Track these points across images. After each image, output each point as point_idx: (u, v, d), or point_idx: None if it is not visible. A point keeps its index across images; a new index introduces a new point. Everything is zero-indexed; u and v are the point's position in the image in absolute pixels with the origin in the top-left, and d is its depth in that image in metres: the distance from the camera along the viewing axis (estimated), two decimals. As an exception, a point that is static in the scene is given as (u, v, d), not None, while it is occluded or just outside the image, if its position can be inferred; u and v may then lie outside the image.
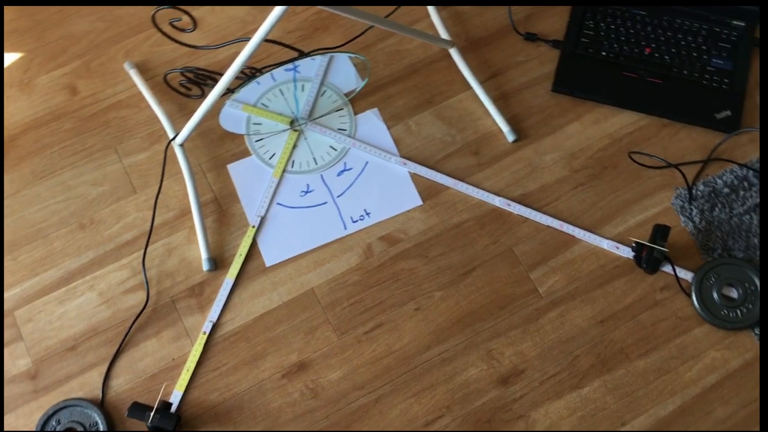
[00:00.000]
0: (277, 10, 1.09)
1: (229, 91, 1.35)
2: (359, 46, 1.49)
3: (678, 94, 1.44)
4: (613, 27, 1.49)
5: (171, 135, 1.39)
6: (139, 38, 1.50)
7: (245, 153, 1.41)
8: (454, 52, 1.47)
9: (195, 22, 1.21)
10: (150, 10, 1.52)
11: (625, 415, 1.23)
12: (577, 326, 1.29)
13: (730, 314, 1.28)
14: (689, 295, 1.30)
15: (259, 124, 1.43)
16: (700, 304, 1.29)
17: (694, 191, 1.37)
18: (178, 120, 1.42)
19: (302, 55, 1.28)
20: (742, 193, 1.37)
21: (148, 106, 1.44)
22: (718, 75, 1.45)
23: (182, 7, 1.19)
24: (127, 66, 1.46)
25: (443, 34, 1.49)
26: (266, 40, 1.17)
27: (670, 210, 1.37)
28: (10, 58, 1.48)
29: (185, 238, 1.34)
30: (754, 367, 1.26)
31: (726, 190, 1.37)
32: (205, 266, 1.31)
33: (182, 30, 1.23)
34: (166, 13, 1.25)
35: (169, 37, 1.27)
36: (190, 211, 1.36)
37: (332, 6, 1.16)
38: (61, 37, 1.50)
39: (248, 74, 1.32)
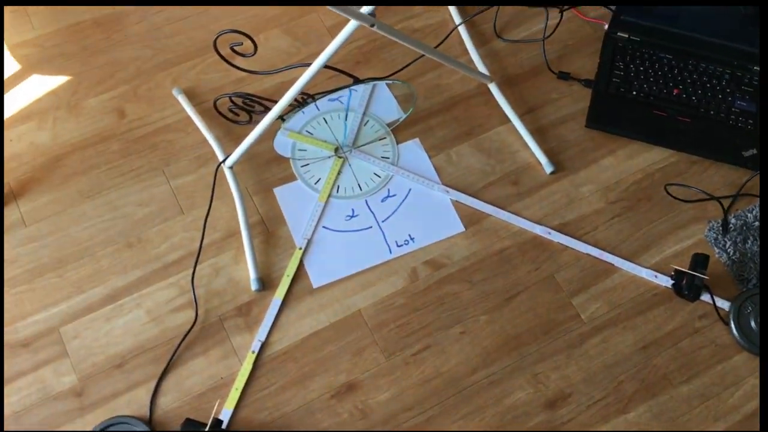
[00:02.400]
0: (349, 26, 1.14)
1: (280, 118, 1.38)
2: (401, 79, 1.54)
3: (706, 132, 1.51)
4: (642, 69, 1.56)
5: (220, 157, 1.41)
6: (185, 66, 1.54)
7: (291, 177, 1.44)
8: (493, 87, 1.53)
9: (255, 47, 1.25)
10: (197, 37, 1.56)
11: (672, 440, 1.25)
12: (621, 352, 1.32)
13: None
14: (727, 324, 1.33)
15: (305, 150, 1.46)
16: (739, 332, 1.32)
17: (729, 224, 1.42)
18: (225, 144, 1.45)
19: (356, 81, 1.32)
20: (771, 226, 1.42)
21: (195, 130, 1.46)
22: (743, 116, 1.52)
23: (243, 31, 1.24)
24: (175, 92, 1.49)
25: (482, 69, 1.55)
26: (326, 66, 1.21)
27: (703, 242, 1.42)
28: (57, 80, 1.50)
29: (232, 259, 1.35)
30: (794, 393, 1.29)
31: (757, 223, 1.43)
32: (253, 286, 1.31)
33: (242, 55, 1.27)
34: (225, 38, 1.28)
35: (227, 61, 1.30)
36: (236, 232, 1.37)
37: (390, 33, 1.22)
38: (107, 62, 1.53)
39: (300, 101, 1.35)
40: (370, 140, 1.48)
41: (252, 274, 1.32)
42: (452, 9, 1.63)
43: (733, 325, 1.32)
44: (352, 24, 1.16)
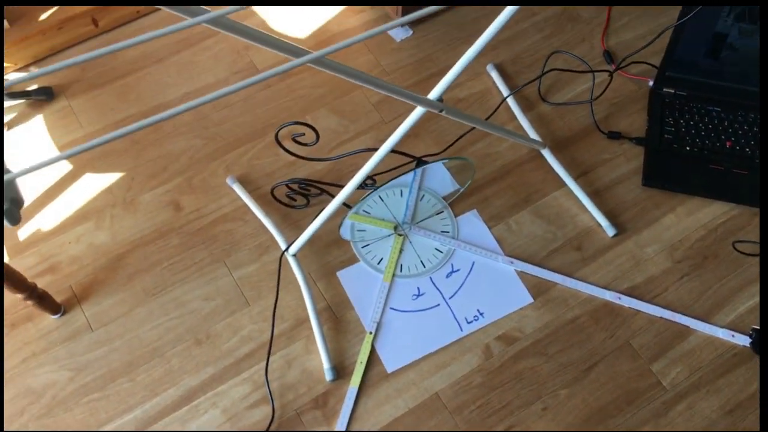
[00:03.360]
0: (416, 113, 1.14)
1: (345, 205, 1.37)
2: (452, 151, 1.54)
3: (759, 184, 1.50)
4: (692, 123, 1.56)
5: (282, 245, 1.40)
6: (237, 153, 1.54)
7: (353, 259, 1.42)
8: (546, 152, 1.52)
9: (318, 135, 1.25)
10: (245, 123, 1.56)
11: None
12: (707, 417, 1.28)
13: None
14: (813, 380, 1.30)
15: (364, 230, 1.45)
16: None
17: (798, 275, 1.40)
18: (284, 230, 1.44)
19: (419, 163, 1.32)
20: (844, 275, 1.40)
21: (253, 218, 1.46)
22: (799, 163, 1.51)
23: (303, 123, 1.24)
24: (229, 181, 1.49)
25: (532, 135, 1.55)
26: (405, 153, 1.21)
27: (776, 295, 1.40)
28: (110, 178, 1.50)
29: (303, 349, 1.33)
30: None
31: (828, 273, 1.41)
32: (328, 376, 1.29)
33: (305, 144, 1.27)
34: (285, 131, 1.28)
35: (289, 152, 1.30)
36: (305, 321, 1.35)
37: (458, 117, 1.22)
38: (159, 155, 1.53)
39: (368, 184, 1.35)
40: (428, 215, 1.47)
41: (325, 364, 1.30)
42: (496, 77, 1.63)
43: (819, 382, 1.29)
44: (419, 111, 1.16)
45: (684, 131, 1.56)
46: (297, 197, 1.45)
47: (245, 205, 1.47)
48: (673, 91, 1.60)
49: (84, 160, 1.53)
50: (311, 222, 1.32)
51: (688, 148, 1.54)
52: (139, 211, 1.47)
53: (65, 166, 1.52)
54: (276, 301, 1.35)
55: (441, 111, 1.16)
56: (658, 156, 1.54)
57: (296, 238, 1.37)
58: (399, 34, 1.70)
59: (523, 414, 1.28)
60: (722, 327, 1.37)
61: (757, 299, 1.40)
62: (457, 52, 1.66)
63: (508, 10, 1.08)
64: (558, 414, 1.28)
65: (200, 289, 1.39)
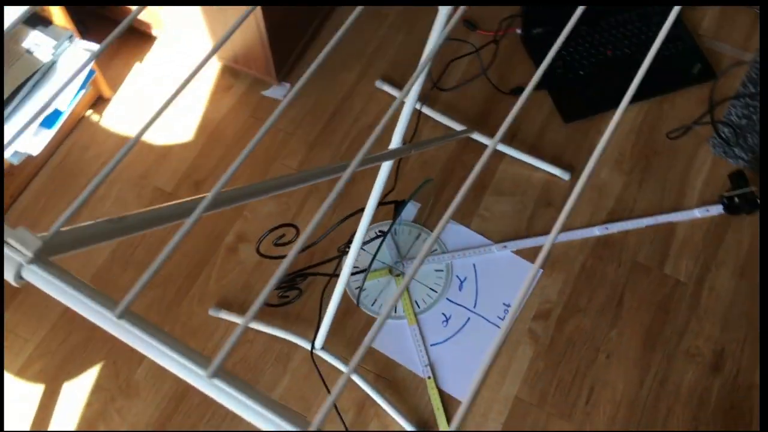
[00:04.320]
0: (384, 170, 1.13)
1: (333, 275, 1.35)
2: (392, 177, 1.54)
3: (654, 73, 1.64)
4: (571, 50, 1.67)
5: (305, 345, 1.35)
6: (200, 283, 1.45)
7: (370, 320, 1.40)
8: (475, 135, 1.57)
9: (297, 230, 1.21)
10: (192, 248, 1.47)
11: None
12: (728, 289, 1.42)
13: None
14: (783, 213, 1.47)
15: (365, 289, 1.43)
16: (796, 213, 1.46)
17: (724, 135, 1.56)
18: (295, 330, 1.39)
19: (400, 205, 1.31)
20: (754, 117, 1.58)
21: (257, 334, 1.39)
22: (670, 42, 1.67)
23: (287, 225, 1.19)
24: (212, 312, 1.41)
25: (456, 126, 1.59)
26: (381, 203, 1.20)
27: (718, 160, 1.55)
28: (91, 375, 1.37)
29: (380, 426, 1.30)
30: None
31: (743, 121, 1.58)
32: (418, 439, 1.28)
33: (289, 242, 1.22)
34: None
35: (276, 257, 1.25)
36: (364, 402, 1.32)
37: (419, 147, 1.22)
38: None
39: (344, 250, 1.32)
40: (411, 244, 1.48)
41: (409, 428, 1.29)
42: (390, 89, 1.65)
43: (789, 212, 1.46)
44: (387, 165, 1.15)
45: (569, 60, 1.66)
46: (289, 293, 1.40)
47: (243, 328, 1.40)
48: (540, 30, 1.70)
49: (50, 374, 1.37)
50: (321, 309, 1.28)
51: (581, 73, 1.65)
52: (143, 390, 1.35)
53: (36, 390, 1.36)
54: (334, 405, 1.31)
55: (411, 151, 1.16)
56: (561, 92, 1.63)
57: (314, 332, 1.33)
58: (279, 93, 1.66)
59: (595, 370, 1.35)
60: (695, 208, 1.50)
61: (708, 171, 1.54)
62: (340, 81, 1.66)
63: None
64: (620, 354, 1.36)
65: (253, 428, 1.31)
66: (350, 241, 1.35)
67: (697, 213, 1.49)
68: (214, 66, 1.68)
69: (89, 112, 1.63)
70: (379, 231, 1.46)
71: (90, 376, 1.37)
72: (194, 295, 1.44)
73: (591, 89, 1.63)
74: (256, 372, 1.36)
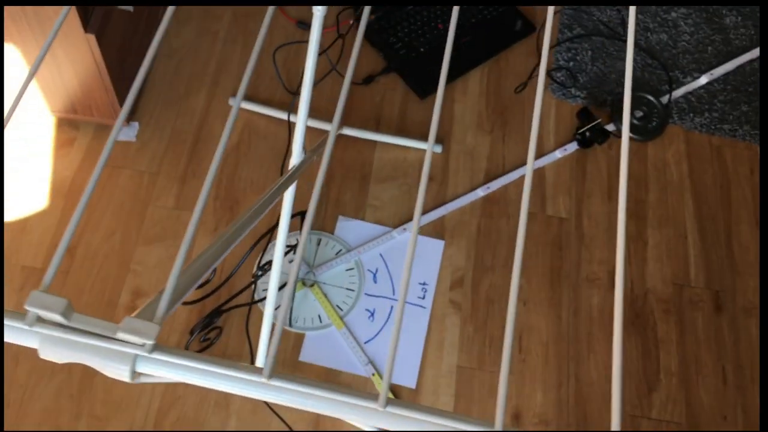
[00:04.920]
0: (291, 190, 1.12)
1: (251, 303, 1.31)
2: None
3: (486, 35, 1.75)
4: (406, 30, 1.73)
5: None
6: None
7: (299, 338, 1.38)
8: (346, 129, 1.58)
9: (220, 332, 1.16)
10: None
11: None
12: (603, 212, 1.56)
13: (649, 126, 1.66)
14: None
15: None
16: (635, 133, 1.64)
17: (559, 80, 1.71)
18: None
19: (303, 214, 1.29)
20: (579, 57, 1.74)
21: (187, 386, 1.31)
22: (489, 6, 1.79)
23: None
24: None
25: (324, 126, 1.59)
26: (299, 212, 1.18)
27: (560, 103, 1.69)
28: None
29: (342, 437, 1.30)
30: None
31: (571, 63, 1.74)
32: (382, 436, 1.29)
33: (204, 284, 1.17)
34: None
35: (193, 302, 1.18)
36: (317, 418, 1.30)
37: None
38: (37, 425, 1.27)
39: (264, 268, 1.29)
40: (315, 252, 1.47)
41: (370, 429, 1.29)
42: (246, 104, 1.61)
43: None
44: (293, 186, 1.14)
45: (407, 40, 1.73)
46: (209, 335, 1.34)
47: (169, 385, 1.31)
48: (372, 16, 1.74)
49: (-36, 501, 1.21)
50: (249, 341, 1.25)
51: (422, 50, 1.72)
52: (81, 485, 1.23)
53: None
54: (287, 425, 1.28)
55: (314, 157, 1.16)
56: (409, 71, 1.69)
57: (256, 368, 1.28)
58: (130, 134, 1.55)
59: (518, 320, 1.43)
60: (555, 150, 1.63)
61: (555, 114, 1.68)
62: (191, 108, 1.59)
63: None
64: (535, 299, 1.46)
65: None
66: (261, 265, 1.32)
67: (558, 154, 1.63)
68: (47, 121, 1.53)
69: None
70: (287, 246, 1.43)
71: (14, 490, 1.22)
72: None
73: (434, 63, 1.71)
74: (197, 425, 1.29)
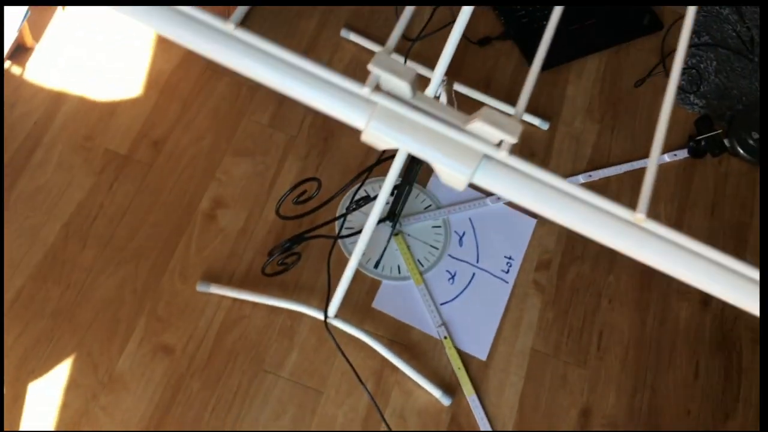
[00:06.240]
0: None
1: (338, 237, 1.24)
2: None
3: (611, 23, 1.67)
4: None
5: (311, 313, 1.23)
6: (178, 256, 1.27)
7: (375, 284, 1.31)
8: (456, 86, 1.51)
9: (319, 182, 1.10)
10: (162, 220, 1.29)
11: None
12: (705, 227, 1.49)
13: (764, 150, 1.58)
14: (736, 155, 1.56)
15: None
16: (749, 154, 1.56)
17: (680, 84, 1.63)
18: (298, 299, 1.26)
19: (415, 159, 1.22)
20: (703, 65, 1.66)
21: (254, 308, 1.25)
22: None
23: (308, 180, 1.07)
24: (201, 287, 1.24)
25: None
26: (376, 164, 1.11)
27: (678, 108, 1.61)
28: (63, 370, 1.15)
29: (402, 394, 1.23)
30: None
31: (693, 70, 1.65)
32: (445, 402, 1.22)
33: (310, 198, 1.10)
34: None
35: (295, 217, 1.12)
36: (383, 371, 1.24)
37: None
38: (97, 311, 1.21)
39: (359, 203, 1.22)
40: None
41: (435, 393, 1.22)
42: (358, 39, 1.54)
43: (742, 152, 1.56)
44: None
45: (531, 10, 1.65)
46: (288, 259, 1.27)
47: (239, 301, 1.25)
48: (500, -22, 1.67)
49: (10, 374, 1.14)
50: (329, 274, 1.18)
51: (544, 22, 1.64)
52: (130, 383, 1.16)
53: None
54: (353, 368, 1.21)
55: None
56: (528, 41, 1.62)
57: (326, 300, 1.22)
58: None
59: (601, 316, 1.36)
60: (662, 153, 1.55)
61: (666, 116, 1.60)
62: (301, 30, 1.52)
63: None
64: (621, 298, 1.38)
65: (263, 412, 1.18)
66: (356, 200, 1.25)
67: (666, 158, 1.55)
68: (156, 11, 1.46)
69: (8, 63, 1.36)
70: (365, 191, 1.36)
71: (62, 373, 1.16)
72: (174, 269, 1.26)
73: (554, 39, 1.63)
74: (259, 349, 1.22)
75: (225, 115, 1.40)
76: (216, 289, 1.24)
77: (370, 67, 0.30)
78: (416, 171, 1.18)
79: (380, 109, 0.31)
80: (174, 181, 1.33)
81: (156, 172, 1.33)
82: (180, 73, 1.43)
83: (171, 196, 1.31)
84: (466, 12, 0.91)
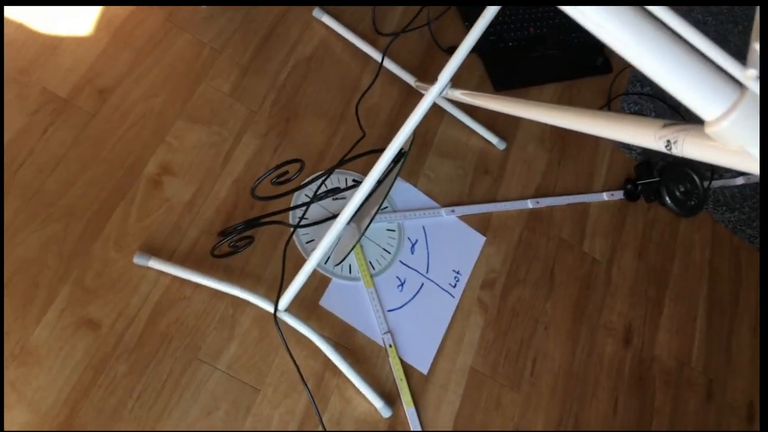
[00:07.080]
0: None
1: (299, 225, 1.16)
2: (349, 128, 1.38)
3: (570, 58, 1.71)
4: (502, 20, 1.66)
5: (256, 302, 1.14)
6: (115, 221, 1.13)
7: (324, 281, 1.24)
8: (416, 84, 1.47)
9: (302, 163, 1.02)
10: (100, 182, 1.14)
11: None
12: (632, 268, 1.55)
13: (688, 203, 1.68)
14: (665, 204, 1.65)
15: (313, 241, 1.26)
16: (675, 205, 1.65)
17: (624, 127, 1.69)
18: (241, 285, 1.16)
19: (402, 155, 1.17)
20: (643, 114, 1.74)
21: (195, 290, 1.14)
22: (578, 30, 1.75)
23: (292, 161, 0.99)
24: (138, 260, 1.11)
25: (403, 75, 1.47)
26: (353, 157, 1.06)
27: (617, 151, 1.67)
28: (-41, 333, 0.99)
29: (342, 400, 1.16)
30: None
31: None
32: (385, 414, 1.17)
33: (291, 179, 1.01)
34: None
35: (274, 197, 1.03)
36: (323, 373, 1.17)
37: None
38: (15, 272, 1.04)
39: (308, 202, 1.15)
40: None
41: (377, 403, 1.17)
42: (330, 21, 1.46)
43: (669, 202, 1.64)
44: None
45: (500, 30, 1.65)
46: (239, 242, 1.17)
47: (175, 280, 1.13)
48: (474, -9, 1.65)
49: None
50: (284, 265, 1.10)
51: (510, 44, 1.65)
52: (45, 358, 1.02)
53: None
54: (296, 366, 1.13)
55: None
56: (492, 59, 1.61)
57: (278, 291, 1.13)
58: (201, -3, 1.36)
59: (536, 341, 1.37)
60: (601, 191, 1.60)
61: (609, 157, 1.65)
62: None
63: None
64: (556, 327, 1.40)
65: (194, 406, 1.07)
66: (318, 193, 1.17)
67: (605, 196, 1.60)
68: (117, -55, 1.31)
69: (-66, -34, 1.16)
70: (354, 180, 1.30)
71: (-36, 338, 0.99)
72: (109, 236, 1.12)
73: (517, 63, 1.64)
74: (196, 336, 1.11)
75: (182, 76, 1.27)
76: (156, 264, 1.12)
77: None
78: (399, 171, 1.13)
79: (750, 97, 0.26)
80: (118, 137, 1.19)
81: (98, 124, 1.18)
82: (136, 20, 1.28)
83: (113, 153, 1.17)
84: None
